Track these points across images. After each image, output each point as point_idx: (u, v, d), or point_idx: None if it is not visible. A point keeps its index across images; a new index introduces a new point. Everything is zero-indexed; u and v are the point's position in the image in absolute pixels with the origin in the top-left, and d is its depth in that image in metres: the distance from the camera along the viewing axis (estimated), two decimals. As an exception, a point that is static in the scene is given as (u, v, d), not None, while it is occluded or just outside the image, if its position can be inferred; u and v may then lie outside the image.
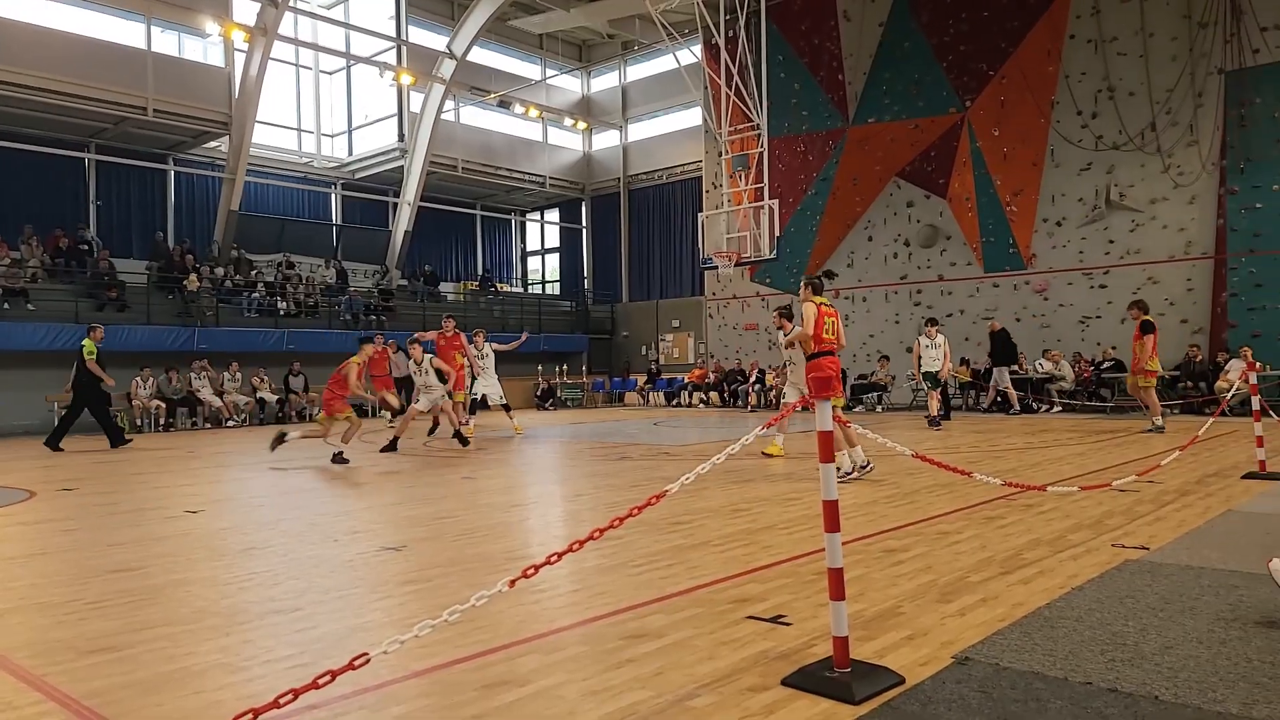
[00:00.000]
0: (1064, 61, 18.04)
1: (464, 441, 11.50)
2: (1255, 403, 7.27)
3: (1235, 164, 16.34)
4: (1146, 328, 11.04)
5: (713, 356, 23.82)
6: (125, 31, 19.76)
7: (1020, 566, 4.13)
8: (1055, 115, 18.17)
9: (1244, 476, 6.87)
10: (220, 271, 20.42)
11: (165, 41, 20.78)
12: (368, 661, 2.19)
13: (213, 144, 21.62)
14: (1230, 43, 16.28)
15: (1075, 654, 2.86)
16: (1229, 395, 9.20)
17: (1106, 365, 16.72)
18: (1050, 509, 5.65)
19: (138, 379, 17.20)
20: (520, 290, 29.67)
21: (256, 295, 20.63)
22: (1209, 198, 16.67)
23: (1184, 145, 16.87)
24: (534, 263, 31.65)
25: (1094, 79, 17.74)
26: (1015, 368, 16.85)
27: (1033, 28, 18.34)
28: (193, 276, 19.36)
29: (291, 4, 20.97)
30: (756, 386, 20.44)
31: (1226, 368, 14.87)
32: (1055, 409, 16.27)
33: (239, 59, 20.47)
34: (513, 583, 2.47)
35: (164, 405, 17.38)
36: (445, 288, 26.52)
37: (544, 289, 30.89)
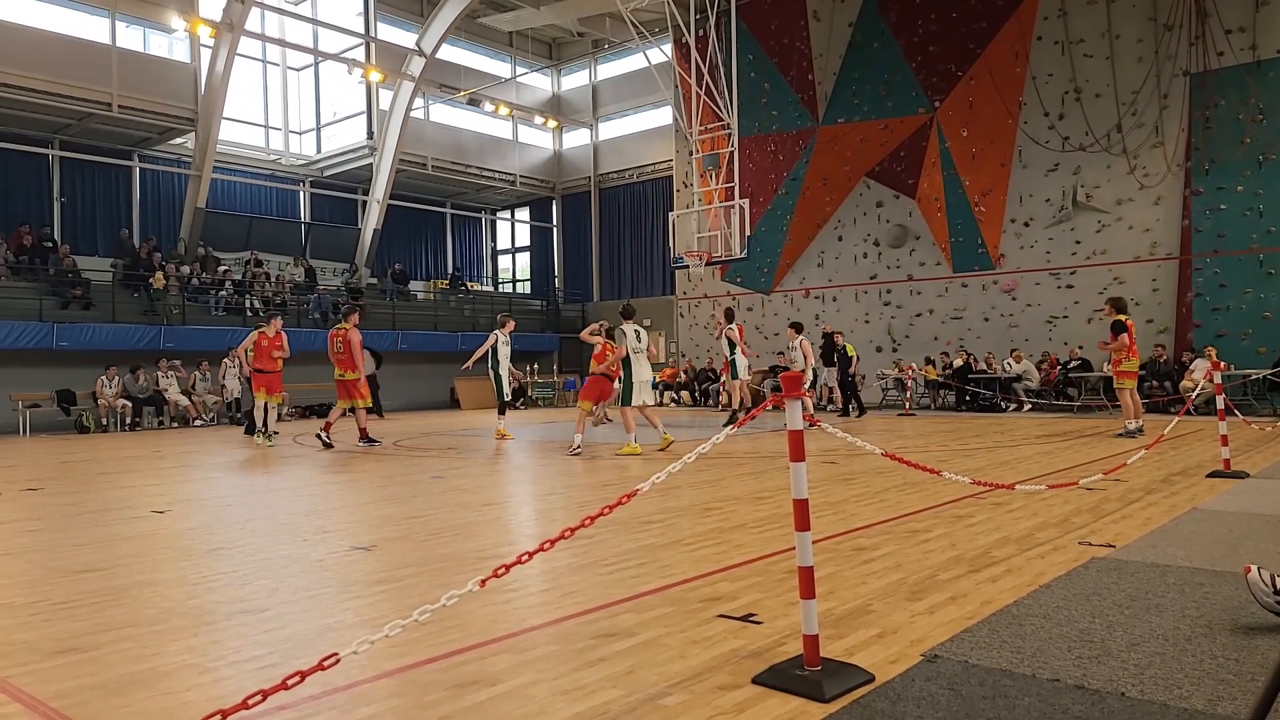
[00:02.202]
0: (1031, 63, 18.29)
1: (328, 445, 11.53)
2: (1219, 402, 7.41)
3: (1200, 165, 16.65)
4: (1117, 327, 10.97)
5: (684, 356, 23.85)
6: (89, 27, 19.40)
7: (989, 565, 4.17)
8: (1023, 116, 18.41)
9: (1209, 475, 6.99)
10: (187, 269, 20.12)
11: (130, 37, 20.42)
12: (337, 662, 2.16)
13: (179, 140, 21.29)
14: (1195, 45, 16.59)
15: (1043, 651, 2.89)
16: (1193, 395, 9.36)
17: (1073, 365, 16.97)
18: (1018, 507, 5.72)
19: (102, 378, 16.92)
20: (491, 289, 29.52)
21: (223, 294, 20.34)
22: (1174, 199, 16.97)
23: (1149, 147, 17.17)
24: (504, 261, 31.52)
25: (1061, 80, 18.00)
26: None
27: (1000, 29, 18.57)
28: (159, 274, 19.05)
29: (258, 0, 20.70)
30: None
31: (1191, 367, 15.15)
32: (1026, 408, 16.49)
33: (205, 55, 20.17)
34: (483, 582, 2.45)
35: (130, 405, 17.11)
36: (415, 286, 26.34)
37: (514, 288, 30.76)
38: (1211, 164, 16.54)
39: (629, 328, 10.02)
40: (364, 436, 11.70)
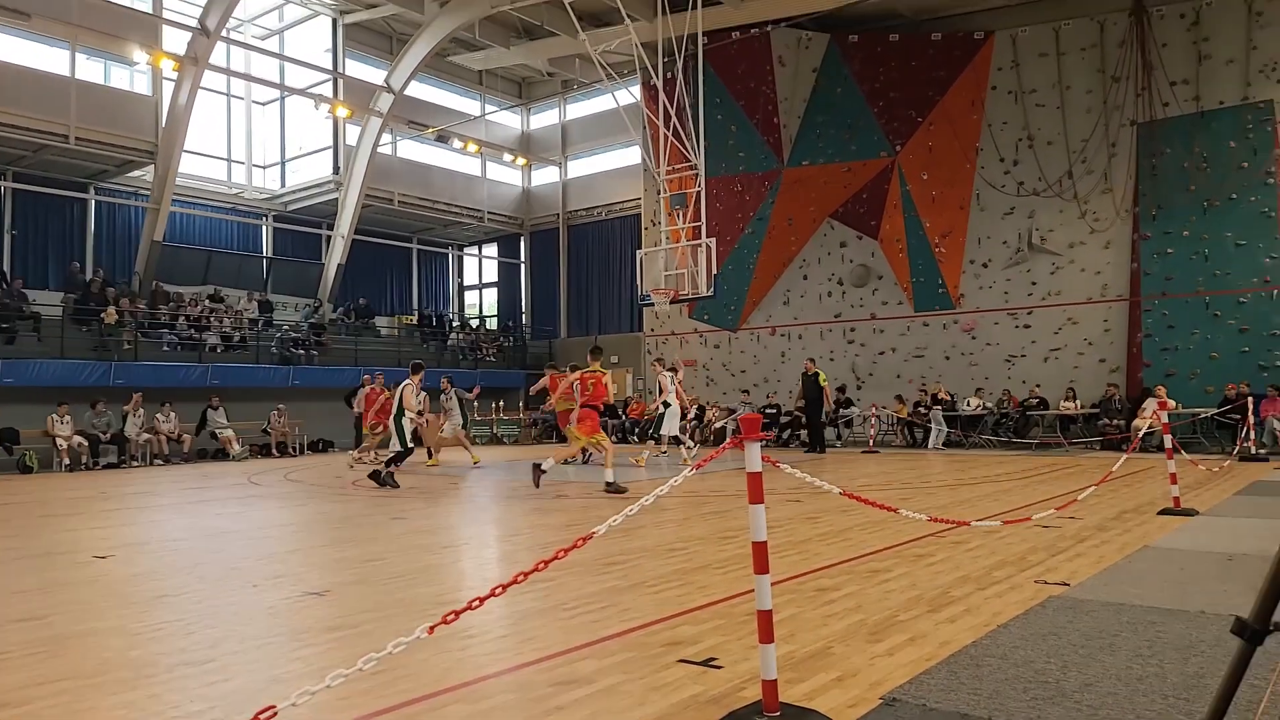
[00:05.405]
0: (987, 110, 18.82)
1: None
2: (1167, 441, 7.57)
3: (1148, 211, 17.19)
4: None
5: (650, 393, 23.84)
6: (48, 58, 19.18)
7: (947, 604, 4.19)
8: (980, 161, 18.90)
9: (1159, 512, 7.12)
10: (142, 304, 19.73)
11: (91, 69, 20.21)
12: (274, 716, 2.09)
13: (137, 173, 21.01)
14: (1142, 96, 17.21)
15: (999, 693, 2.90)
16: (1140, 433, 9.55)
17: (1034, 403, 17.29)
18: (977, 545, 5.76)
19: (53, 416, 16.40)
20: (457, 325, 29.36)
21: (176, 329, 19.92)
22: (1123, 243, 17.47)
23: (1099, 192, 17.69)
24: (471, 297, 31.41)
25: (1015, 128, 18.54)
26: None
27: (958, 78, 19.11)
28: (111, 309, 18.64)
29: (224, 34, 20.63)
30: (694, 423, 20.48)
31: (1143, 406, 15.47)
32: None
33: (167, 88, 20.02)
34: (432, 629, 2.40)
35: (85, 443, 16.60)
36: (380, 321, 26.10)
37: (483, 324, 30.62)
38: (1158, 210, 17.07)
39: None
40: None
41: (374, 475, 10.90)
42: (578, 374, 11.10)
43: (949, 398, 17.84)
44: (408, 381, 11.17)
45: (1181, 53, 16.90)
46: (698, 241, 18.11)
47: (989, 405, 17.75)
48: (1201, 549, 5.51)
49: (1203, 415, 14.60)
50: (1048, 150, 18.18)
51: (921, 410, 18.13)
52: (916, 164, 19.60)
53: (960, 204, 19.16)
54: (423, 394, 12.18)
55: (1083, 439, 16.43)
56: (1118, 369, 17.35)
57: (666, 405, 14.44)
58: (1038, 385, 17.65)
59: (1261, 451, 13.37)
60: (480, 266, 31.34)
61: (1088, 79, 17.81)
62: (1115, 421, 15.98)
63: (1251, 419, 13.03)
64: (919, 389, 18.94)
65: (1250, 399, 13.29)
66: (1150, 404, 14.63)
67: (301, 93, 23.05)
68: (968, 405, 17.68)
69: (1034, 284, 18.43)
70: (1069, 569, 4.95)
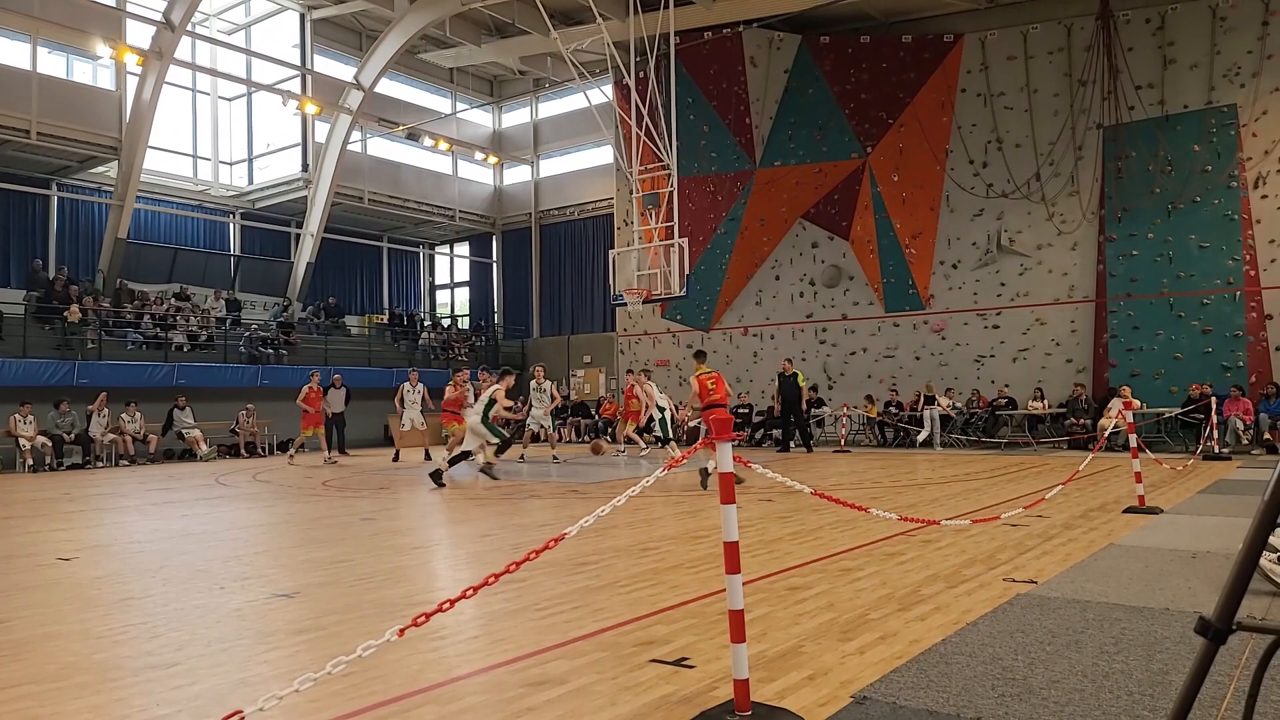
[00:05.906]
0: (957, 113, 19.02)
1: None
2: (1132, 440, 7.70)
3: (1113, 213, 17.46)
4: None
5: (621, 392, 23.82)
6: (9, 52, 18.77)
7: (918, 603, 4.22)
8: (950, 163, 19.10)
9: (1125, 511, 7.23)
10: (106, 302, 19.38)
11: (53, 63, 19.81)
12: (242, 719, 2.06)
13: (101, 169, 20.62)
14: (1108, 100, 17.48)
15: (968, 690, 2.93)
16: (1106, 433, 9.70)
17: (1003, 403, 17.51)
18: (947, 544, 5.82)
19: (15, 416, 16.06)
20: (429, 324, 29.14)
21: (141, 328, 19.58)
22: (1090, 245, 17.74)
23: (1066, 195, 17.95)
24: (443, 296, 31.21)
25: (984, 130, 18.75)
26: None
27: (928, 81, 19.29)
28: (74, 307, 18.29)
29: (190, 29, 20.32)
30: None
31: (1109, 406, 15.72)
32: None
33: (131, 82, 19.67)
34: (402, 632, 2.37)
35: (50, 443, 16.26)
36: (350, 321, 25.85)
37: (454, 323, 30.43)
38: (1124, 212, 17.35)
39: None
40: None
41: (486, 469, 11.85)
42: (696, 376, 11.03)
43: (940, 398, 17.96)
44: (498, 385, 11.83)
45: (1147, 57, 17.19)
46: (670, 241, 18.11)
47: (958, 405, 17.96)
48: (1166, 547, 5.60)
49: (1167, 415, 14.87)
50: (1016, 153, 18.42)
51: (893, 410, 18.29)
52: (887, 165, 19.77)
53: (930, 205, 19.35)
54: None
55: (1050, 438, 16.67)
56: (1084, 369, 17.62)
57: (661, 410, 14.50)
58: (1006, 385, 17.89)
59: (1224, 450, 13.65)
60: (452, 265, 31.16)
61: (1055, 82, 18.07)
62: (1082, 421, 16.23)
63: (1215, 418, 13.27)
64: (889, 389, 19.11)
65: (1213, 399, 13.53)
66: (1116, 404, 14.87)
67: (269, 89, 22.76)
68: (937, 405, 17.84)
69: (1003, 285, 18.66)
70: (1036, 567, 5.01)
